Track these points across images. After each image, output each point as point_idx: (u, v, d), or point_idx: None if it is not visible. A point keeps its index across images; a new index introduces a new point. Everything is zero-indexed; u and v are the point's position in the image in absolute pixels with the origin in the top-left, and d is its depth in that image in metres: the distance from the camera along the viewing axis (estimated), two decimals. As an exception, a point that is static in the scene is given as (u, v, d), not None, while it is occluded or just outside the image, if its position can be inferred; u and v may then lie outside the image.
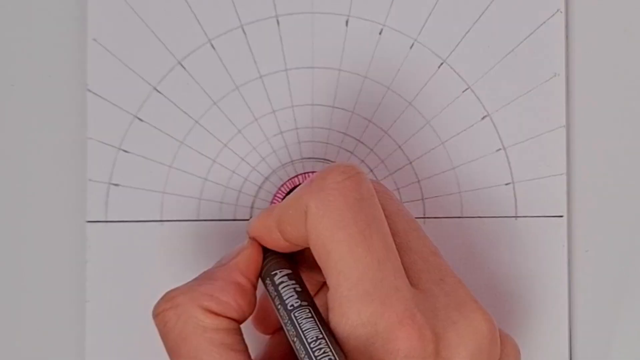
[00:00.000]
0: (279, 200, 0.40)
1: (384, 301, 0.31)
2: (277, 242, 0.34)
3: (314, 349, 0.31)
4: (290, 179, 0.40)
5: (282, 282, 0.34)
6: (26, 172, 0.40)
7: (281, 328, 0.36)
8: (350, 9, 0.40)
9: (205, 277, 0.34)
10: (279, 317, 0.33)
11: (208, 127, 0.40)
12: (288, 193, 0.40)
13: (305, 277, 0.35)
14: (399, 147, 0.40)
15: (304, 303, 0.33)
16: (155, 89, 0.40)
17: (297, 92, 0.40)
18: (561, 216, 0.40)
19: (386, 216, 0.33)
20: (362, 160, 0.40)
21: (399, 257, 0.32)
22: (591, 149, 0.40)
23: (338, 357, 0.31)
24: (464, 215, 0.40)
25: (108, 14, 0.40)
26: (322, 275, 0.33)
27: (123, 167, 0.40)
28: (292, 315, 0.33)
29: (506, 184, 0.40)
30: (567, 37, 0.40)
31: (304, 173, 0.40)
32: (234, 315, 0.33)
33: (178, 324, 0.33)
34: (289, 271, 0.34)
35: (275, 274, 0.34)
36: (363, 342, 0.31)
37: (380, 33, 0.40)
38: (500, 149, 0.40)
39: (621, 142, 0.41)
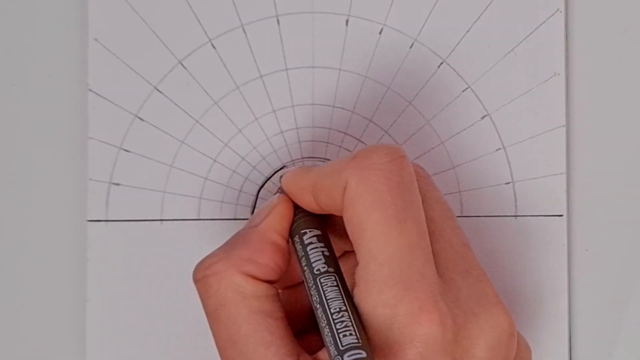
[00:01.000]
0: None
1: (407, 286, 0.31)
2: (309, 204, 0.34)
3: (336, 321, 0.31)
4: (290, 178, 0.40)
5: (310, 243, 0.33)
6: (27, 171, 0.40)
7: (295, 285, 0.35)
8: (350, 8, 0.40)
9: (240, 241, 0.34)
10: (304, 278, 0.33)
11: (208, 127, 0.40)
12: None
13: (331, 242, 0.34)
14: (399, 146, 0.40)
15: (331, 269, 0.32)
16: (156, 88, 0.40)
17: (297, 91, 0.40)
18: (561, 215, 0.40)
19: (424, 202, 0.33)
20: (362, 160, 0.40)
21: (430, 245, 0.32)
22: (591, 148, 0.40)
23: (359, 334, 0.30)
24: (464, 215, 0.40)
25: (109, 13, 0.40)
26: (348, 244, 0.33)
27: (124, 167, 0.40)
28: (318, 281, 0.32)
29: (506, 183, 0.40)
30: (567, 37, 0.40)
31: (304, 172, 0.40)
32: (273, 276, 0.33)
33: (219, 290, 0.33)
34: (319, 232, 0.34)
35: (305, 232, 0.34)
36: (380, 323, 0.31)
37: (380, 33, 0.40)
38: (500, 149, 0.40)
39: (621, 141, 0.41)
